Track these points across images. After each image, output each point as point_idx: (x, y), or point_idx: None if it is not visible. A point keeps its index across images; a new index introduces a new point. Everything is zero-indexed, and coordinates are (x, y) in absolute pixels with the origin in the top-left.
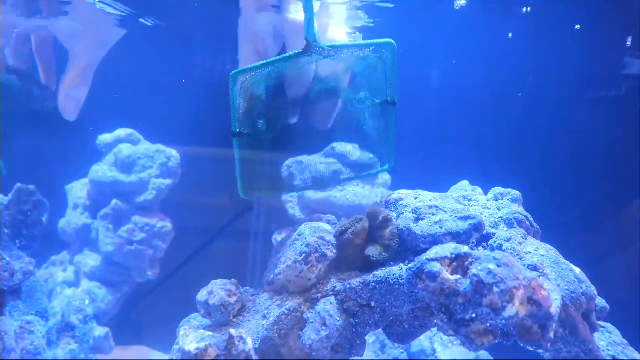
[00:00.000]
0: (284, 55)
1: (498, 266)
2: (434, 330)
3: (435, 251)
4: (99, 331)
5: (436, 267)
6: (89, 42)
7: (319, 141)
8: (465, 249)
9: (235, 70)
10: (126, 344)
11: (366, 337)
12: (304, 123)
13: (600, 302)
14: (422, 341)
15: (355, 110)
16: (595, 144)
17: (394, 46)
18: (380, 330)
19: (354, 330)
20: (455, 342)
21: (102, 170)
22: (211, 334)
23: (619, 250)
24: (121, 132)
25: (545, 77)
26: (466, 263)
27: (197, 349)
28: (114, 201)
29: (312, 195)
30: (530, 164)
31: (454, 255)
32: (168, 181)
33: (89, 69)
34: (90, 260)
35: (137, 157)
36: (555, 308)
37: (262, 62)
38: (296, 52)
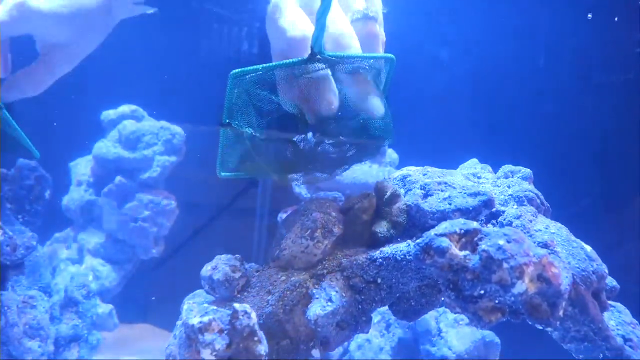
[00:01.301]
0: (285, 62)
1: (508, 242)
2: (440, 310)
3: (444, 226)
4: (103, 308)
5: (445, 242)
6: (72, 49)
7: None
8: (474, 224)
9: (235, 71)
10: (130, 321)
11: (372, 315)
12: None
13: (611, 281)
14: (428, 321)
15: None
16: (609, 129)
17: (393, 61)
18: (385, 309)
19: (360, 306)
20: (461, 322)
21: (106, 146)
22: (215, 308)
23: (632, 240)
24: (125, 108)
25: (557, 59)
26: (475, 239)
27: (201, 322)
28: (118, 178)
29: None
30: (541, 146)
31: (463, 231)
32: (172, 158)
33: (59, 74)
34: (94, 237)
35: (142, 133)
36: (565, 286)
37: (262, 66)
38: (299, 59)
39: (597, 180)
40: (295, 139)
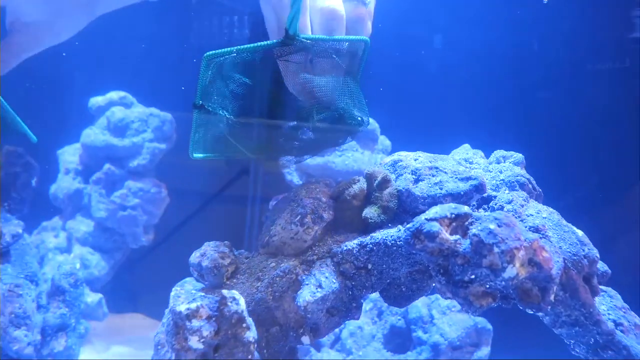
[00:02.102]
0: (259, 44)
1: (499, 226)
2: (433, 297)
3: (434, 211)
4: (92, 298)
5: (435, 226)
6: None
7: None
8: (465, 208)
9: (208, 53)
10: (120, 311)
11: (363, 304)
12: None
13: (602, 266)
14: (420, 308)
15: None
16: (604, 116)
17: (368, 44)
18: (378, 296)
19: (350, 292)
20: (453, 309)
21: (94, 134)
22: (203, 294)
23: (627, 232)
24: (113, 95)
25: (551, 45)
26: (466, 223)
27: (188, 309)
28: (107, 166)
29: (310, 160)
30: (535, 134)
31: (453, 215)
32: (162, 145)
33: (25, 56)
34: (82, 226)
35: (130, 120)
36: (556, 270)
37: (236, 47)
38: (273, 41)
39: (592, 167)
40: (269, 123)
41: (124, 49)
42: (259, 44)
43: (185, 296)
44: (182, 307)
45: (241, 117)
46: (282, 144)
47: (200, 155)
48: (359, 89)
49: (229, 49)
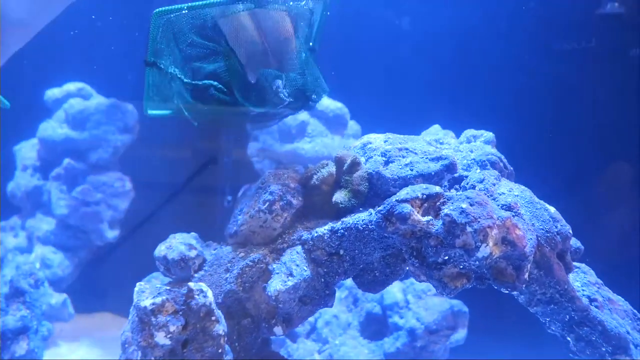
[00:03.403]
0: (210, 1)
1: (471, 205)
2: (408, 282)
3: (405, 192)
4: (56, 298)
5: (406, 208)
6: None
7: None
8: (437, 188)
9: (158, 9)
10: (88, 311)
11: (338, 292)
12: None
13: (575, 242)
14: (395, 293)
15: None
16: (576, 95)
17: (327, 3)
18: (352, 283)
19: (323, 280)
20: (429, 293)
21: (52, 127)
22: (168, 288)
23: (603, 209)
24: (71, 86)
25: (522, 24)
26: (438, 203)
27: (153, 304)
28: (67, 160)
29: (279, 147)
30: (506, 112)
31: (425, 196)
32: (125, 137)
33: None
34: (43, 224)
35: (90, 112)
36: (529, 248)
37: (187, 5)
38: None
39: (568, 143)
40: (222, 85)
41: (80, 37)
42: (209, 1)
43: (150, 291)
44: (147, 302)
45: (193, 80)
46: (233, 110)
47: (155, 112)
48: (313, 60)
49: (179, 6)
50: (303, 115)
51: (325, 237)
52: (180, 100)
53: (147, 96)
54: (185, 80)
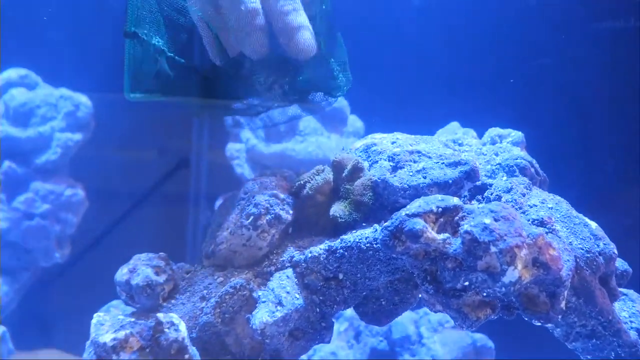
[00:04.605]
0: None
1: (495, 220)
2: (420, 312)
3: (417, 204)
4: None
5: (419, 223)
6: None
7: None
8: (454, 200)
9: None
10: (31, 347)
11: (337, 324)
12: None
13: (622, 264)
14: (406, 325)
15: None
16: (615, 83)
17: None
18: (352, 312)
19: (318, 309)
20: (446, 325)
21: None
22: (133, 320)
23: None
24: (12, 73)
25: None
26: (456, 218)
27: (115, 339)
28: (7, 163)
29: (264, 148)
30: (537, 107)
31: (440, 209)
32: (77, 135)
33: None
34: None
35: (35, 105)
36: (566, 271)
37: None
38: None
39: (608, 147)
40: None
41: (24, 14)
42: None
43: (111, 323)
44: (107, 338)
45: (179, 52)
46: (228, 92)
47: (139, 94)
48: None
49: None
50: (292, 109)
51: (321, 258)
52: (163, 81)
53: (128, 76)
54: (169, 53)
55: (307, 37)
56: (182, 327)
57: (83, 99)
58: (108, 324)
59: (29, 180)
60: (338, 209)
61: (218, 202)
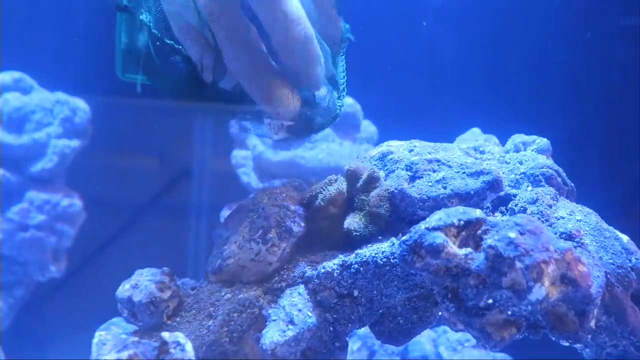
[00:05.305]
0: None
1: (521, 234)
2: (439, 330)
3: (437, 217)
4: None
5: (439, 238)
6: None
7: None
8: (477, 212)
9: None
10: None
11: (350, 343)
12: None
13: None
14: (423, 345)
15: None
16: None
17: None
18: (366, 331)
19: (332, 328)
20: (466, 344)
21: None
22: (136, 339)
23: None
24: (6, 77)
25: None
26: (479, 232)
27: None
28: (0, 171)
29: (272, 155)
30: (562, 112)
31: (462, 222)
32: (74, 142)
33: None
34: None
35: (30, 110)
36: (596, 288)
37: None
38: None
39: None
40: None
41: (18, 15)
42: None
43: (114, 342)
44: (110, 358)
45: (168, 31)
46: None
47: (132, 77)
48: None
49: None
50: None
51: (335, 274)
52: (150, 65)
53: (120, 54)
54: (154, 30)
55: (320, 70)
56: (189, 347)
57: (80, 103)
58: (110, 343)
59: (24, 190)
60: (353, 222)
61: (223, 213)
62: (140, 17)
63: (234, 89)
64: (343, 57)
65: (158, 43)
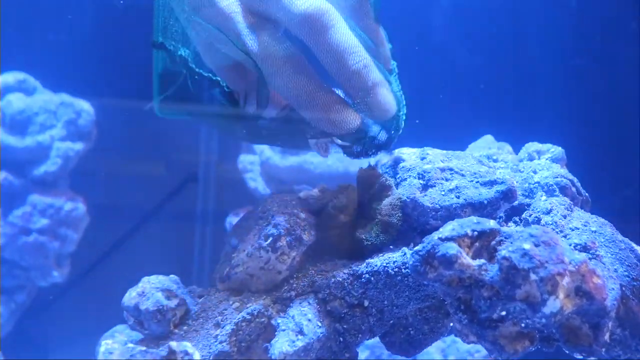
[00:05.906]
0: None
1: (536, 245)
2: (448, 340)
3: (450, 227)
4: None
5: (452, 248)
6: None
7: None
8: (491, 223)
9: None
10: None
11: (359, 353)
12: None
13: None
14: (432, 355)
15: None
16: None
17: None
18: (376, 341)
19: (342, 339)
20: (476, 355)
21: None
22: (144, 349)
23: None
24: (9, 78)
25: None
26: (493, 242)
27: None
28: (2, 174)
29: (280, 161)
30: (578, 120)
31: (476, 233)
32: (78, 145)
33: None
34: None
35: (34, 112)
36: (611, 301)
37: None
38: None
39: None
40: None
41: (22, 15)
42: None
43: (120, 352)
44: None
45: (206, 64)
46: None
47: (170, 113)
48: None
49: None
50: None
51: (346, 284)
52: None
53: (157, 91)
54: (190, 64)
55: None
56: (197, 356)
57: (85, 105)
58: (117, 352)
59: (26, 193)
60: (363, 230)
61: (230, 219)
62: (179, 53)
63: (278, 114)
64: (396, 74)
65: (196, 77)
